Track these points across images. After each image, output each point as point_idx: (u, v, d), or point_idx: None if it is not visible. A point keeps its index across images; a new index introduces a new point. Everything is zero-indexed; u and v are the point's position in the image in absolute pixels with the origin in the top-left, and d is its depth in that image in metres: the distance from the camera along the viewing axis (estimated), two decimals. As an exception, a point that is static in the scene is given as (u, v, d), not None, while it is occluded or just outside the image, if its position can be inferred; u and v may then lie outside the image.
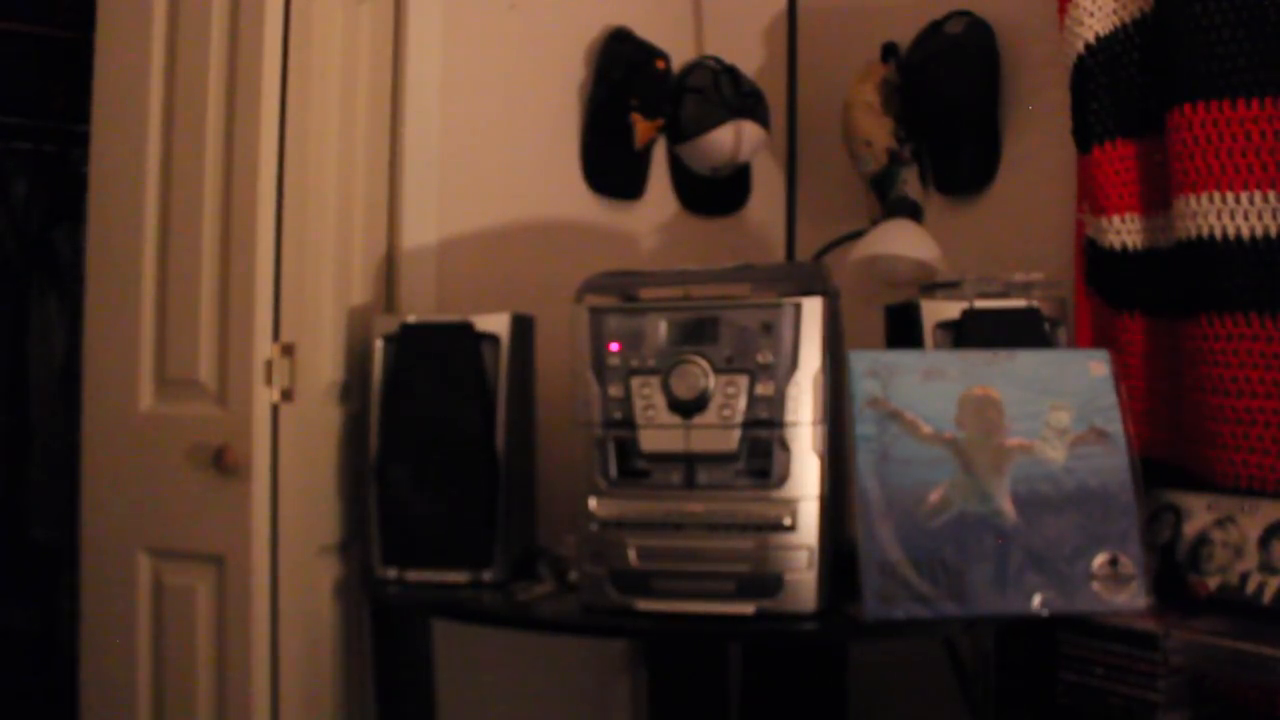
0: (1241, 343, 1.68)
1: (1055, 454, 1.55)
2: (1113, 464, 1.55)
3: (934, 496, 1.53)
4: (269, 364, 1.81)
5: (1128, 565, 1.52)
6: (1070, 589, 1.51)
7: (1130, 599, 1.51)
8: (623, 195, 2.43)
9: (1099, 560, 1.52)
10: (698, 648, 2.29)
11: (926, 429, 1.55)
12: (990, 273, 1.86)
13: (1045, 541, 1.52)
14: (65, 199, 2.72)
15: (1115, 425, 1.57)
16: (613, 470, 1.62)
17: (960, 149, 2.28)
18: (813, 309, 1.58)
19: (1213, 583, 1.62)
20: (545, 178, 2.31)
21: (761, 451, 1.57)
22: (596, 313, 1.64)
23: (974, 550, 1.51)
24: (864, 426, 1.55)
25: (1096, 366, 1.60)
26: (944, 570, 1.50)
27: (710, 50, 2.50)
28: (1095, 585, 1.51)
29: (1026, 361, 1.59)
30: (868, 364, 1.57)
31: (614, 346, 1.62)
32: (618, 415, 1.61)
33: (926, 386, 1.56)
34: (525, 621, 1.73)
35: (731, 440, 1.57)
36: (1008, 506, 1.53)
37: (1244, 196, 1.68)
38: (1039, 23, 2.08)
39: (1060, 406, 1.56)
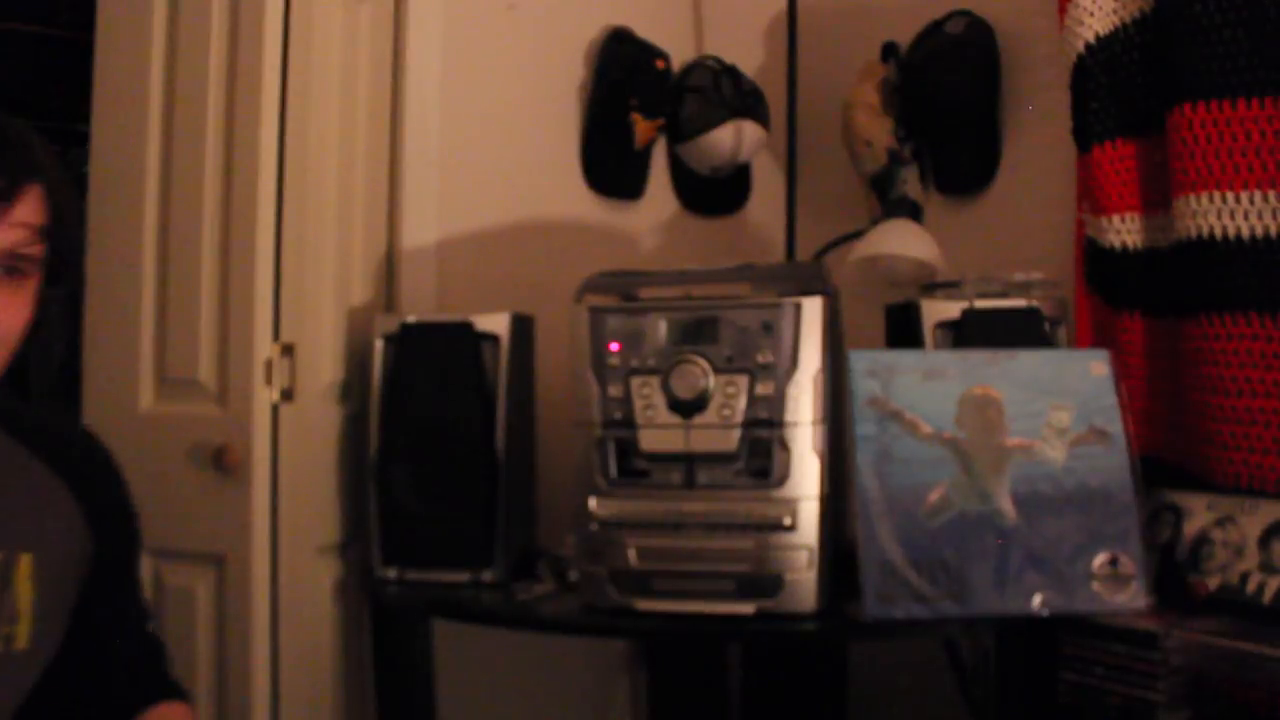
0: (1241, 343, 1.68)
1: (1055, 454, 1.54)
2: (1113, 464, 1.55)
3: (934, 496, 1.53)
4: (269, 364, 1.81)
5: (1128, 565, 1.52)
6: (1070, 589, 1.51)
7: (1130, 599, 1.51)
8: (623, 195, 2.43)
9: (1099, 560, 1.52)
10: (698, 648, 2.29)
11: (926, 429, 1.55)
12: (990, 273, 1.85)
13: (1045, 541, 1.52)
14: (65, 199, 2.72)
15: (1115, 425, 1.57)
16: (613, 470, 1.61)
17: (960, 149, 2.28)
18: (813, 309, 1.58)
19: (1213, 583, 1.62)
20: (545, 177, 2.31)
21: (761, 451, 1.57)
22: (596, 313, 1.64)
23: (974, 550, 1.51)
24: (864, 426, 1.55)
25: (1096, 366, 1.60)
26: (944, 570, 1.50)
27: (710, 50, 2.50)
28: (1095, 585, 1.51)
29: (1026, 361, 1.59)
30: (868, 364, 1.57)
31: (614, 346, 1.62)
32: (618, 415, 1.61)
33: (926, 386, 1.56)
34: (525, 621, 1.73)
35: (731, 440, 1.57)
36: (1008, 506, 1.53)
37: (1244, 196, 1.68)
38: (1039, 23, 2.08)
39: (1060, 406, 1.56)
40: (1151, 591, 1.54)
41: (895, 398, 1.55)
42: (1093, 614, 1.54)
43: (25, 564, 1.08)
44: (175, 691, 1.22)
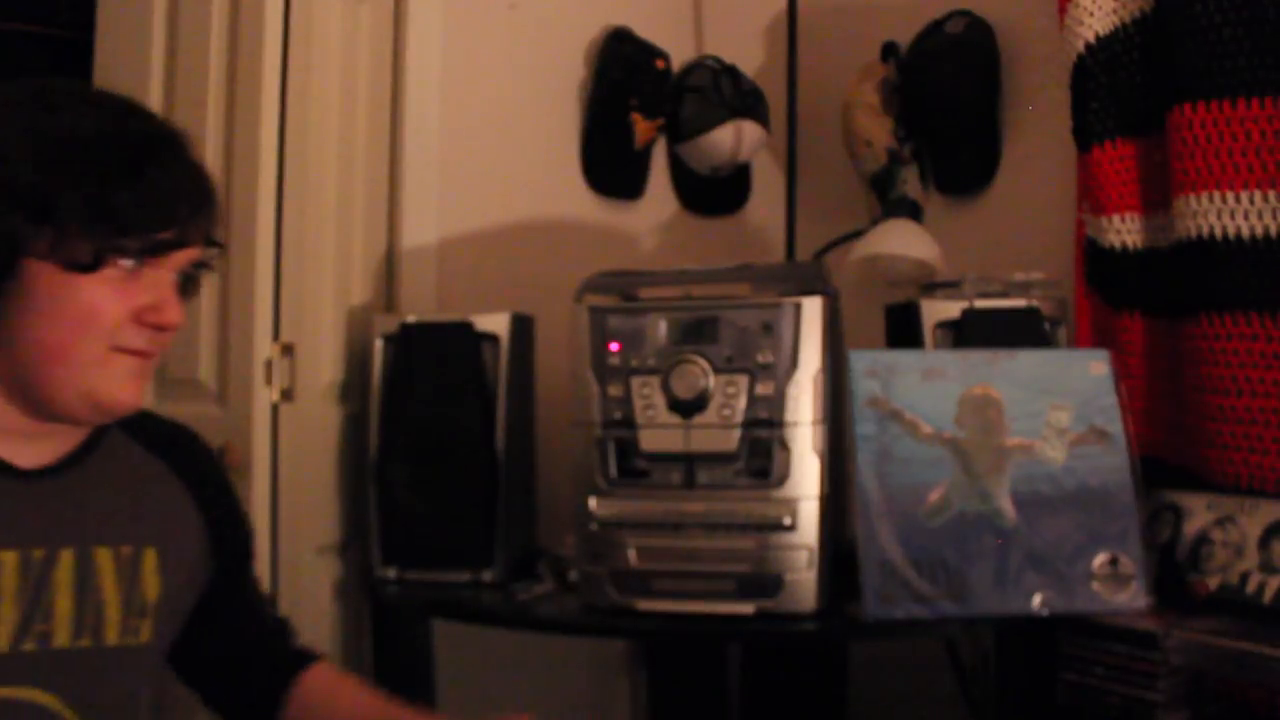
0: (1241, 343, 1.68)
1: (1055, 454, 1.55)
2: (1113, 464, 1.55)
3: (934, 496, 1.53)
4: (269, 364, 1.81)
5: (1128, 565, 1.52)
6: (1070, 589, 1.51)
7: (1130, 599, 1.51)
8: (623, 195, 2.43)
9: (1099, 560, 1.52)
10: (698, 648, 2.29)
11: (926, 429, 1.55)
12: (990, 273, 1.85)
13: (1045, 541, 1.52)
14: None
15: (1115, 425, 1.57)
16: (613, 470, 1.61)
17: (960, 149, 2.28)
18: (813, 309, 1.58)
19: (1213, 583, 1.62)
20: (545, 177, 2.31)
21: (761, 451, 1.57)
22: (596, 312, 1.64)
23: (974, 550, 1.51)
24: (864, 426, 1.55)
25: (1096, 366, 1.60)
26: (944, 570, 1.50)
27: (710, 50, 2.50)
28: (1095, 585, 1.51)
29: (1026, 361, 1.59)
30: (868, 364, 1.57)
31: (614, 346, 1.62)
32: (618, 415, 1.61)
33: (926, 386, 1.56)
34: (525, 621, 1.73)
35: (731, 440, 1.57)
36: (1008, 506, 1.53)
37: (1244, 196, 1.68)
38: (1039, 23, 2.08)
39: (1060, 406, 1.56)
40: (1151, 591, 1.54)
41: (895, 398, 1.56)
42: (1093, 614, 1.54)
43: (151, 558, 1.12)
44: (311, 656, 1.30)
